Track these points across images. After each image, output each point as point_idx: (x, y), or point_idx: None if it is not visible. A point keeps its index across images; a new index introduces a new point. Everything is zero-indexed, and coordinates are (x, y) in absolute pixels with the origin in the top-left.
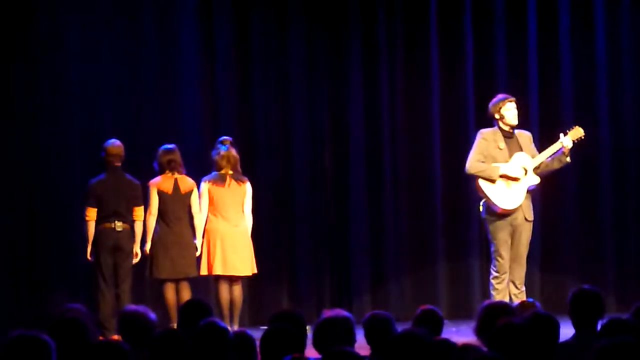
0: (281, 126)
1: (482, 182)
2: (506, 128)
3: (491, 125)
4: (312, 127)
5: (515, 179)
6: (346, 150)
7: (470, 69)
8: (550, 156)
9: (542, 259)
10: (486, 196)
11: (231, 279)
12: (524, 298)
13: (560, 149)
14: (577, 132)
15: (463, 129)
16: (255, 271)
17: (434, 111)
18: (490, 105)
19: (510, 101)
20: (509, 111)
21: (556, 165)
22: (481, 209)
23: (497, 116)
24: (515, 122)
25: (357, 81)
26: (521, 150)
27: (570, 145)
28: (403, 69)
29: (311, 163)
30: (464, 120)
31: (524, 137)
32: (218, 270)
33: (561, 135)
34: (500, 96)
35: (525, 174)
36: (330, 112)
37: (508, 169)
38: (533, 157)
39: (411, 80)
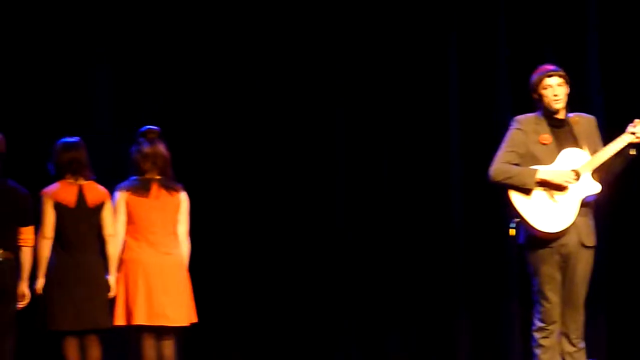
0: (239, 106)
1: (513, 194)
2: (549, 113)
3: (534, 110)
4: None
5: (561, 188)
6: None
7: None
8: (616, 153)
9: (609, 301)
10: (519, 214)
11: (160, 332)
12: (584, 358)
13: (630, 144)
14: None
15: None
16: (195, 320)
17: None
18: (530, 81)
19: (551, 75)
20: (548, 90)
21: (619, 164)
22: (513, 232)
23: (535, 96)
24: (556, 105)
25: None
26: (577, 144)
27: None
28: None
29: (282, 161)
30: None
31: (583, 124)
32: (141, 319)
33: (629, 126)
34: (540, 68)
35: (578, 179)
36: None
37: (551, 173)
38: (594, 153)
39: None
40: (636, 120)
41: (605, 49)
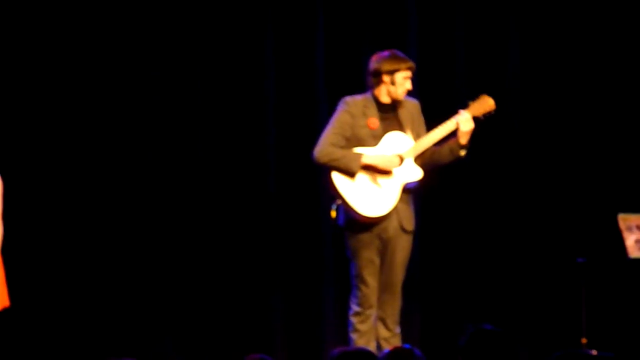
0: (52, 81)
1: (336, 177)
2: (387, 100)
3: (361, 89)
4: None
5: (385, 172)
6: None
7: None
8: (442, 139)
9: (425, 288)
10: (342, 197)
11: None
12: (399, 343)
13: (457, 130)
14: (484, 104)
15: (310, 100)
16: (7, 304)
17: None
18: (379, 60)
19: (412, 68)
20: (406, 82)
21: (446, 157)
22: (334, 214)
23: (385, 79)
24: (403, 97)
25: None
26: (402, 129)
27: (470, 125)
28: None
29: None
30: (311, 88)
31: (408, 109)
32: None
33: (459, 113)
34: (399, 54)
35: (401, 164)
36: None
37: (375, 158)
38: (417, 138)
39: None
40: (461, 111)
41: (424, 35)
